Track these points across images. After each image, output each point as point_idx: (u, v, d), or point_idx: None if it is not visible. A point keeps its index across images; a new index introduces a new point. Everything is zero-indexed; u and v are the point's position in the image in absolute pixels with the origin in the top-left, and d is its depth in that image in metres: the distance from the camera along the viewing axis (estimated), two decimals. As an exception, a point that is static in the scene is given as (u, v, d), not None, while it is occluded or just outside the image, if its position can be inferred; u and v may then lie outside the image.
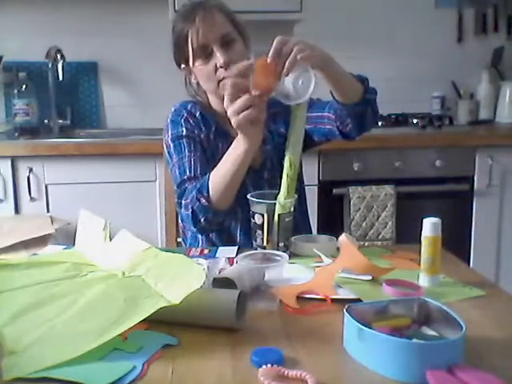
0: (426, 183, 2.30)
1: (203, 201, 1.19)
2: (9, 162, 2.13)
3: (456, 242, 1.67)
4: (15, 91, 2.45)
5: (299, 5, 2.36)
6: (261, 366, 0.67)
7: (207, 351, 0.74)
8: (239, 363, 0.70)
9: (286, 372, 0.66)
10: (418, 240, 0.98)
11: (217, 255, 1.15)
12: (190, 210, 1.21)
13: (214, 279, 0.90)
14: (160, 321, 0.80)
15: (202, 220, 1.22)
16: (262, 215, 1.11)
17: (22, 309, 0.85)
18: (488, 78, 2.77)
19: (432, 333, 0.75)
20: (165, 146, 1.37)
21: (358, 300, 0.87)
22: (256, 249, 1.13)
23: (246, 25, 1.35)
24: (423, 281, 0.96)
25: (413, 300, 0.79)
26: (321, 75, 1.09)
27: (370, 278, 0.97)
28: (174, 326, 0.80)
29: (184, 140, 1.33)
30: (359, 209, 2.23)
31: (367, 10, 2.75)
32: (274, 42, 1.02)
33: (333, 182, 2.26)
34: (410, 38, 2.79)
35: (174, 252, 1.05)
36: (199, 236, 1.36)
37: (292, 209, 1.13)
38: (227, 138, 1.18)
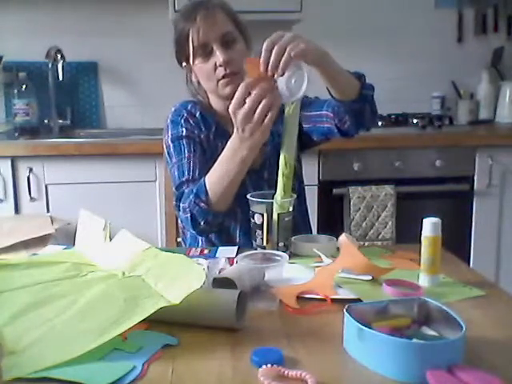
0: (426, 183, 2.30)
1: (202, 204, 1.19)
2: (9, 162, 2.13)
3: (456, 242, 1.67)
4: (15, 91, 2.45)
5: (299, 5, 2.36)
6: (261, 366, 0.67)
7: (207, 351, 0.74)
8: (239, 363, 0.70)
9: (285, 372, 0.66)
10: (418, 240, 0.98)
11: (217, 255, 1.15)
12: (189, 214, 1.21)
13: (214, 279, 0.90)
14: (160, 321, 0.80)
15: (202, 223, 1.22)
16: (262, 215, 1.11)
17: (21, 309, 0.85)
18: (488, 78, 2.77)
19: (432, 333, 0.75)
20: (164, 146, 1.37)
21: (358, 300, 0.87)
22: (256, 249, 1.13)
23: (247, 25, 1.35)
24: (423, 281, 0.96)
25: (413, 300, 0.79)
26: (317, 72, 1.07)
27: (370, 278, 0.97)
28: (174, 326, 0.80)
29: (184, 140, 1.33)
30: (359, 209, 2.23)
31: (367, 10, 2.75)
32: (266, 42, 1.00)
33: (333, 181, 2.26)
34: (410, 38, 2.79)
35: (174, 252, 1.05)
36: (199, 237, 1.36)
37: (291, 208, 1.13)
38: (227, 139, 1.18)
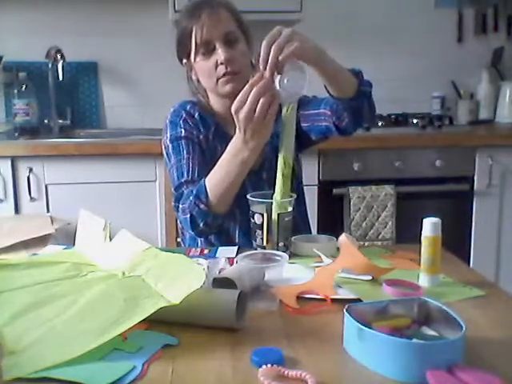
0: (426, 183, 2.30)
1: (202, 206, 1.18)
2: (9, 162, 2.13)
3: (456, 242, 1.67)
4: (15, 91, 2.45)
5: (299, 5, 2.36)
6: (261, 366, 0.67)
7: (207, 351, 0.74)
8: (239, 363, 0.70)
9: (286, 372, 0.66)
10: (418, 240, 0.98)
11: (217, 255, 1.14)
12: (189, 215, 1.21)
13: (214, 279, 0.90)
14: (160, 321, 0.80)
15: (202, 225, 1.22)
16: (262, 215, 1.11)
17: (21, 309, 0.85)
18: (488, 78, 2.78)
19: (432, 333, 0.75)
20: (163, 146, 1.37)
21: (358, 300, 0.87)
22: (256, 249, 1.13)
23: (249, 25, 1.35)
24: (423, 281, 0.96)
25: (413, 300, 0.79)
26: (314, 70, 1.07)
27: (370, 278, 0.97)
28: (174, 326, 0.80)
29: (182, 141, 1.32)
30: (359, 209, 2.23)
31: (367, 10, 2.75)
32: (265, 40, 1.00)
33: (333, 181, 2.26)
34: (409, 38, 2.79)
35: (174, 252, 1.05)
36: (198, 238, 1.36)
37: (291, 208, 1.13)
38: (226, 140, 1.18)
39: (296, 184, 1.36)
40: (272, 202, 1.11)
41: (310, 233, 1.45)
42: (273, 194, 1.14)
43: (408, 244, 1.17)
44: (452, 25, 2.82)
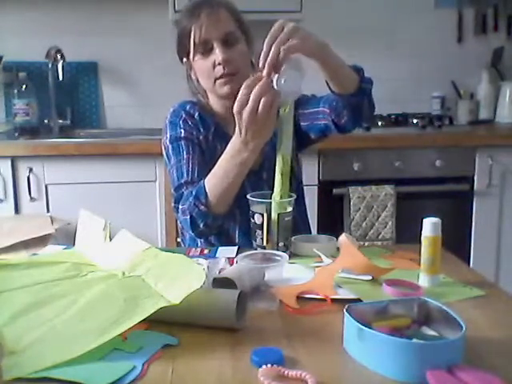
0: (426, 183, 2.30)
1: (202, 207, 1.18)
2: (9, 162, 2.13)
3: (456, 241, 1.67)
4: (15, 91, 2.45)
5: (299, 5, 2.37)
6: (261, 366, 0.67)
7: (207, 351, 0.74)
8: (239, 363, 0.70)
9: (285, 372, 0.66)
10: (418, 240, 0.98)
11: (217, 255, 1.14)
12: (189, 216, 1.21)
13: (214, 279, 0.90)
14: (160, 321, 0.80)
15: (201, 226, 1.21)
16: (262, 215, 1.11)
17: (21, 309, 0.85)
18: (488, 78, 2.77)
19: (432, 333, 0.75)
20: (163, 147, 1.37)
21: (358, 300, 0.87)
22: (256, 249, 1.13)
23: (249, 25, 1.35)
24: (423, 281, 0.96)
25: (413, 300, 0.79)
26: (316, 64, 1.06)
27: (370, 278, 0.97)
28: (174, 326, 0.80)
29: (182, 142, 1.32)
30: (359, 209, 2.23)
31: (367, 10, 2.75)
32: (268, 37, 1.00)
33: (333, 181, 2.26)
34: (409, 38, 2.79)
35: (174, 252, 1.05)
36: (198, 238, 1.36)
37: (291, 208, 1.13)
38: (226, 140, 1.17)
39: (296, 184, 1.36)
40: (272, 202, 1.11)
41: (310, 233, 1.45)
42: (272, 193, 1.14)
43: (408, 244, 1.17)
44: (452, 25, 2.82)
